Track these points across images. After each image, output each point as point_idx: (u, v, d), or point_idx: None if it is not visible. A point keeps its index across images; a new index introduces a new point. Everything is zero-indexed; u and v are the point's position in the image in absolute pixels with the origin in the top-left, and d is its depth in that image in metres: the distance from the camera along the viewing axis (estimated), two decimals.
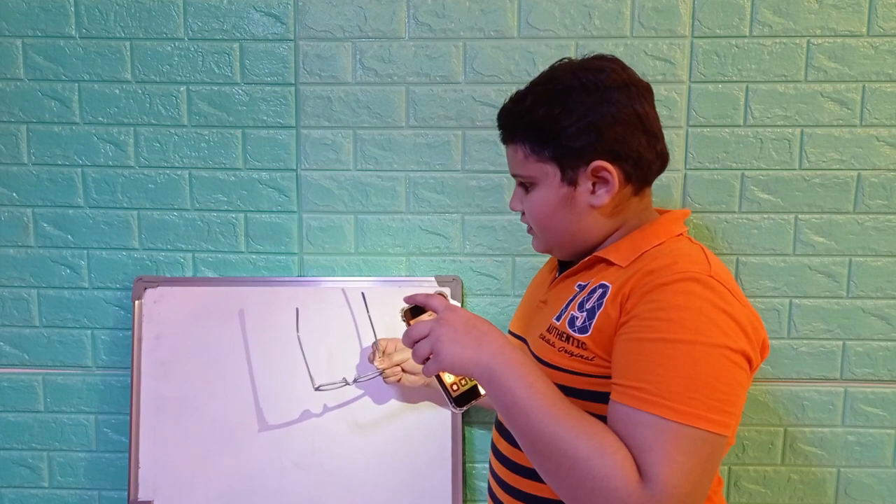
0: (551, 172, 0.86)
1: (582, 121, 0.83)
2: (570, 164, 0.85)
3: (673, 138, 1.29)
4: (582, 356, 0.81)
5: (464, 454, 1.32)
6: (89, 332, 1.36)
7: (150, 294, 1.31)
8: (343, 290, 1.30)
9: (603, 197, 0.85)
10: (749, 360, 0.75)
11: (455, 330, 0.78)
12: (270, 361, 1.29)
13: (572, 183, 0.86)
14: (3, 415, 1.38)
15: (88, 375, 1.37)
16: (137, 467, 1.29)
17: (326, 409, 1.28)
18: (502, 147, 0.95)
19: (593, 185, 0.85)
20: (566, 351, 0.83)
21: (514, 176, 0.92)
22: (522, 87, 0.90)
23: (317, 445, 1.28)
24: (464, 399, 0.81)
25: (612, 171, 0.83)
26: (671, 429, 0.69)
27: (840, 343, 1.32)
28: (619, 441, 0.70)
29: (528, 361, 0.77)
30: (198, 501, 1.28)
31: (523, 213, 0.93)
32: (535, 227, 0.93)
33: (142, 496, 1.29)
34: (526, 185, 0.91)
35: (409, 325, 0.83)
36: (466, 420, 1.33)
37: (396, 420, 1.29)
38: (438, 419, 1.28)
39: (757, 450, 1.34)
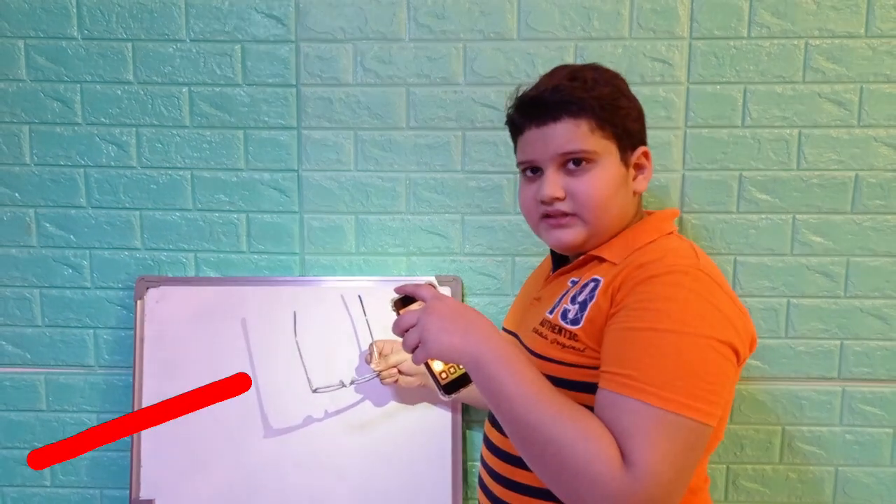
0: (613, 151, 0.88)
1: (635, 108, 0.90)
2: (626, 145, 0.88)
3: (671, 139, 1.29)
4: (573, 347, 0.82)
5: (464, 454, 1.33)
6: (91, 331, 1.37)
7: (152, 294, 1.32)
8: (342, 295, 1.30)
9: (642, 183, 0.91)
10: (736, 353, 0.77)
11: (442, 318, 0.79)
12: (272, 361, 1.29)
13: (626, 165, 0.89)
14: (5, 414, 1.39)
15: (90, 375, 1.37)
16: (139, 466, 1.29)
17: (328, 408, 1.29)
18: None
19: (636, 170, 0.90)
20: (558, 343, 0.84)
21: (565, 154, 0.86)
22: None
23: (318, 445, 1.28)
24: (453, 386, 0.83)
25: (650, 159, 0.91)
26: (655, 415, 0.70)
27: (838, 343, 1.33)
28: (604, 427, 0.72)
29: (515, 349, 0.79)
30: (199, 500, 1.28)
31: (557, 199, 0.87)
32: (586, 211, 0.87)
33: (143, 495, 1.29)
34: (576, 165, 0.86)
35: (398, 314, 0.84)
36: (466, 420, 1.33)
37: (397, 420, 1.29)
38: (439, 420, 1.29)
39: (755, 449, 1.35)
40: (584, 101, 0.85)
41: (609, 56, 1.27)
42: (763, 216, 1.30)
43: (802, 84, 1.27)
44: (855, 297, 1.31)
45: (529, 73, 1.28)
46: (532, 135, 0.88)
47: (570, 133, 0.85)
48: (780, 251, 1.31)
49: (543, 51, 1.28)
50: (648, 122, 1.26)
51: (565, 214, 0.88)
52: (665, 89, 1.28)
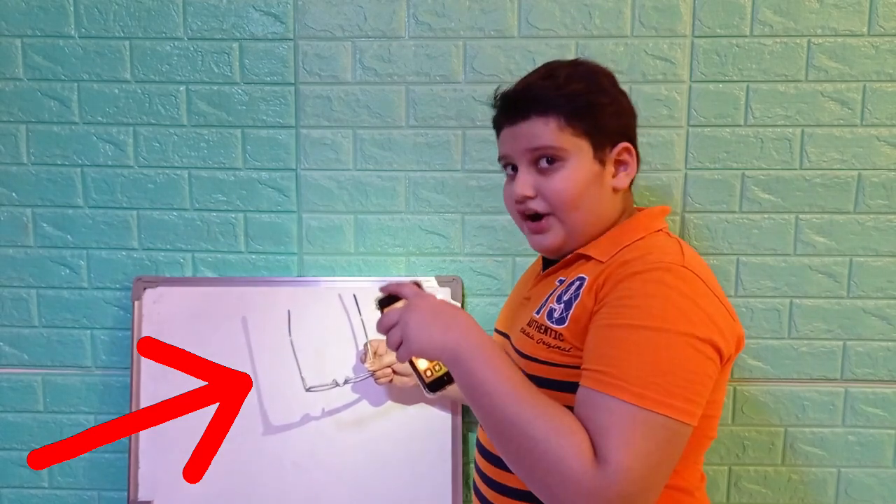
0: (585, 148, 0.85)
1: (615, 103, 0.87)
2: (601, 142, 0.86)
3: (673, 138, 1.28)
4: (559, 347, 0.82)
5: (464, 455, 1.32)
6: (88, 332, 1.36)
7: (150, 294, 1.31)
8: (339, 295, 1.29)
9: (624, 180, 0.88)
10: (719, 351, 0.76)
11: (423, 316, 0.79)
12: (270, 361, 1.29)
13: (601, 162, 0.87)
14: (2, 415, 1.38)
15: (88, 376, 1.37)
16: (137, 467, 1.29)
17: (327, 409, 1.28)
18: None
19: (615, 167, 0.88)
20: (544, 343, 0.84)
21: (535, 150, 0.85)
22: None
23: (317, 445, 1.28)
24: (437, 384, 0.83)
25: (634, 155, 0.88)
26: (630, 412, 0.70)
27: (840, 343, 1.32)
28: (579, 424, 0.71)
29: (495, 346, 0.79)
30: (197, 502, 1.27)
31: (529, 199, 0.87)
32: (558, 210, 0.86)
33: (141, 496, 1.28)
34: (548, 164, 0.85)
35: (383, 313, 0.84)
36: (467, 422, 1.33)
37: (397, 421, 1.28)
38: (439, 420, 1.28)
39: (757, 450, 1.34)
40: (552, 98, 0.84)
41: (610, 54, 1.26)
42: (766, 216, 1.30)
43: (805, 83, 1.27)
44: (858, 298, 1.31)
45: (530, 71, 1.27)
46: (507, 132, 0.89)
47: (539, 130, 0.85)
48: (783, 251, 1.30)
49: (544, 48, 1.27)
50: (650, 120, 1.26)
51: (539, 215, 0.88)
52: (667, 87, 1.27)
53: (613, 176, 0.87)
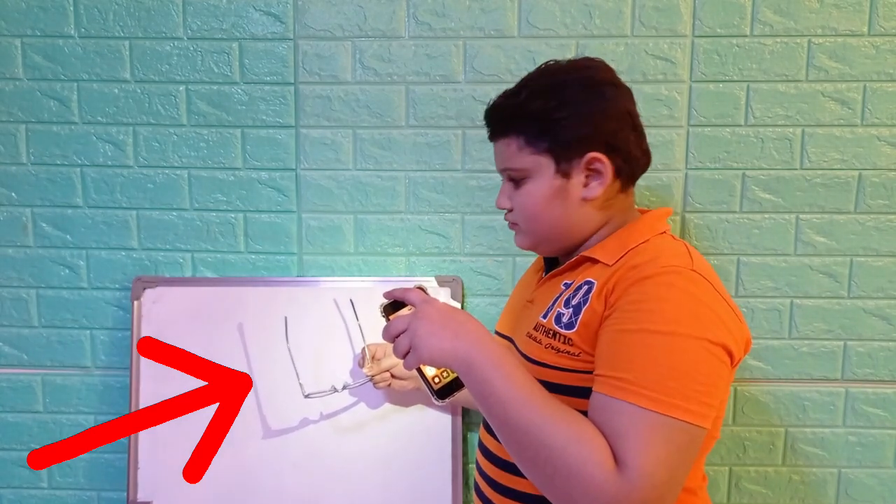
0: (545, 164, 0.87)
1: (578, 114, 0.85)
2: (565, 155, 0.86)
3: (674, 138, 1.28)
4: (568, 352, 0.82)
5: (464, 456, 1.32)
6: (88, 332, 1.36)
7: (149, 294, 1.31)
8: (335, 299, 1.29)
9: (595, 189, 0.86)
10: (730, 354, 0.76)
11: (432, 323, 0.78)
12: (270, 362, 1.28)
13: (566, 175, 0.86)
14: (2, 415, 1.38)
15: (87, 376, 1.36)
16: (136, 468, 1.28)
17: (327, 410, 1.28)
18: None
19: (586, 177, 0.86)
20: (553, 347, 0.83)
21: (503, 171, 0.92)
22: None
23: (316, 446, 1.28)
24: (445, 391, 0.82)
25: (606, 163, 0.85)
26: (648, 417, 0.70)
27: (841, 343, 1.32)
28: (596, 430, 0.71)
29: (506, 352, 0.78)
30: (197, 502, 1.27)
31: (509, 211, 0.93)
32: (523, 222, 0.92)
33: (141, 497, 1.28)
34: (516, 180, 0.90)
35: (388, 320, 0.83)
36: (466, 423, 1.32)
37: (397, 422, 1.28)
38: (439, 421, 1.28)
39: (758, 450, 1.34)
40: (512, 120, 0.88)
41: (611, 54, 1.26)
42: (766, 216, 1.29)
43: (805, 82, 1.27)
44: (858, 298, 1.30)
45: (530, 70, 1.26)
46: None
47: (504, 152, 0.90)
48: (783, 251, 1.30)
49: (544, 48, 1.27)
50: (650, 120, 1.26)
51: (514, 223, 0.94)
52: (667, 87, 1.27)
53: (585, 185, 0.86)
